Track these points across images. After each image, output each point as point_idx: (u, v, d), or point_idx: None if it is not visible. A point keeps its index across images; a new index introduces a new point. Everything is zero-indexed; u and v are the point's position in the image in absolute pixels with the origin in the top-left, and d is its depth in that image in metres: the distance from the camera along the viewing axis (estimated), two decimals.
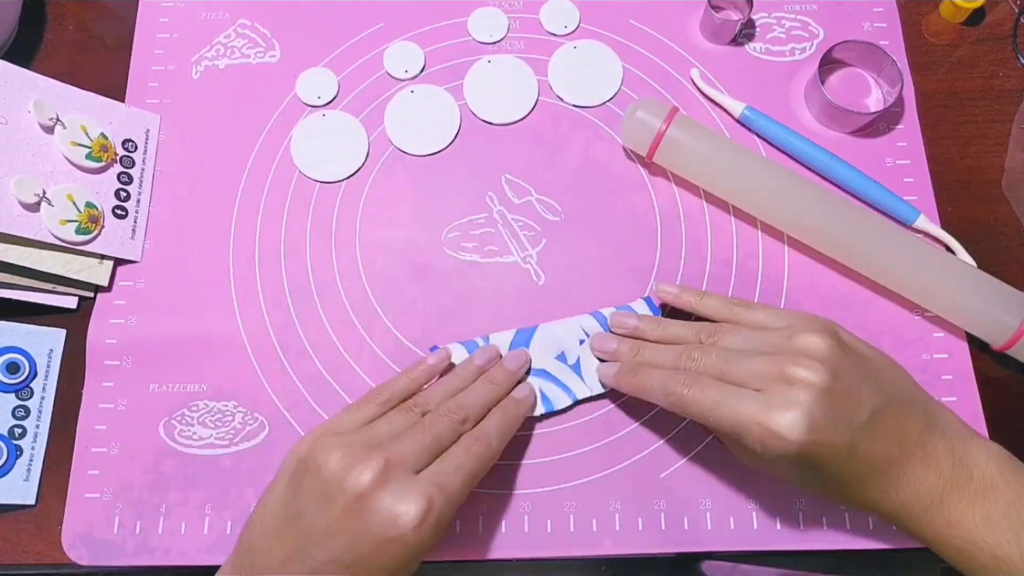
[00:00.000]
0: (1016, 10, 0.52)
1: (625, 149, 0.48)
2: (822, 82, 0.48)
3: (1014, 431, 0.43)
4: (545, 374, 0.43)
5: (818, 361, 0.34)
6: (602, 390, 0.43)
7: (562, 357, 0.43)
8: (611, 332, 0.43)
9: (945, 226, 0.46)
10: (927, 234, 0.46)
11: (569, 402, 0.43)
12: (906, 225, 0.46)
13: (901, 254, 0.43)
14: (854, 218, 0.44)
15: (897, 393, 0.36)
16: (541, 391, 0.43)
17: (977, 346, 0.45)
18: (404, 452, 0.35)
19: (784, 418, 0.33)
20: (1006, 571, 0.34)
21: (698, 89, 0.50)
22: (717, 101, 0.49)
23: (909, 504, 0.35)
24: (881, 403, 0.35)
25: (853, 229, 0.43)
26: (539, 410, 0.43)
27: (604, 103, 0.50)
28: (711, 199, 0.47)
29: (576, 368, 0.43)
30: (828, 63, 0.49)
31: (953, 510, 0.35)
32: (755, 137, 0.49)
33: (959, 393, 0.44)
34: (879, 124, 0.49)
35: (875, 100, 0.50)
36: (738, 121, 0.49)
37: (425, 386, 0.40)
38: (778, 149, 0.48)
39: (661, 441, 0.43)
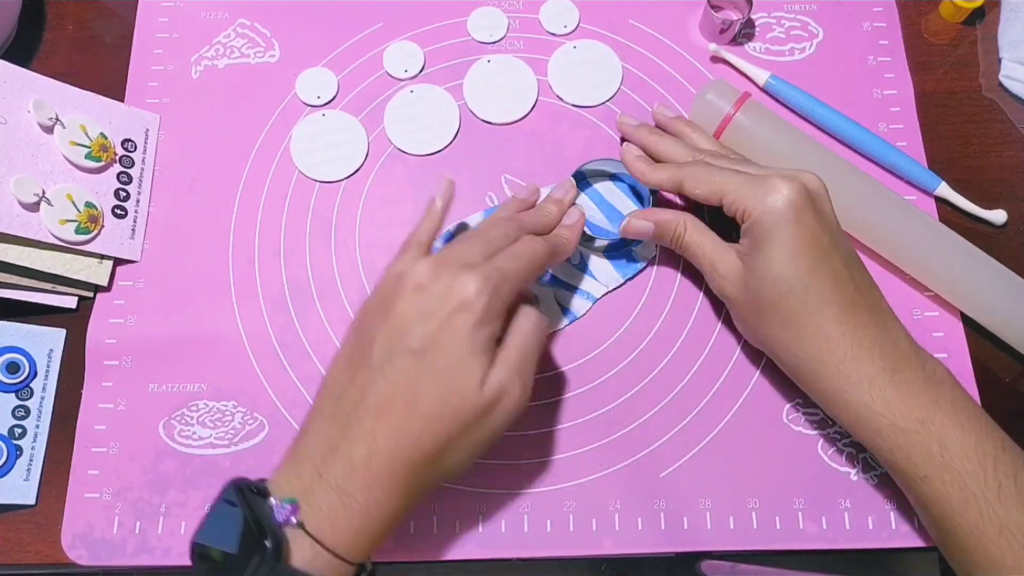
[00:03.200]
0: None
1: None
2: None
3: (1013, 430, 0.43)
4: (554, 280, 0.45)
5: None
6: (620, 282, 0.45)
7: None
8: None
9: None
10: (948, 202, 0.47)
11: (589, 305, 0.45)
12: (928, 192, 0.47)
13: (953, 265, 0.44)
14: (920, 225, 0.44)
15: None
16: (558, 301, 0.45)
17: (975, 345, 0.45)
18: (459, 251, 0.36)
19: (778, 184, 0.37)
20: (947, 460, 0.35)
21: (722, 59, 0.50)
22: (741, 70, 0.49)
23: (863, 360, 0.36)
24: (854, 259, 0.38)
25: (921, 235, 0.44)
26: (562, 323, 0.44)
27: (604, 103, 0.50)
28: None
29: (584, 267, 0.45)
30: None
31: (907, 384, 0.36)
32: (779, 106, 0.49)
33: None
34: (879, 124, 0.49)
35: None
36: (762, 90, 0.49)
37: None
38: (802, 118, 0.49)
39: (661, 441, 0.43)
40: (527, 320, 0.36)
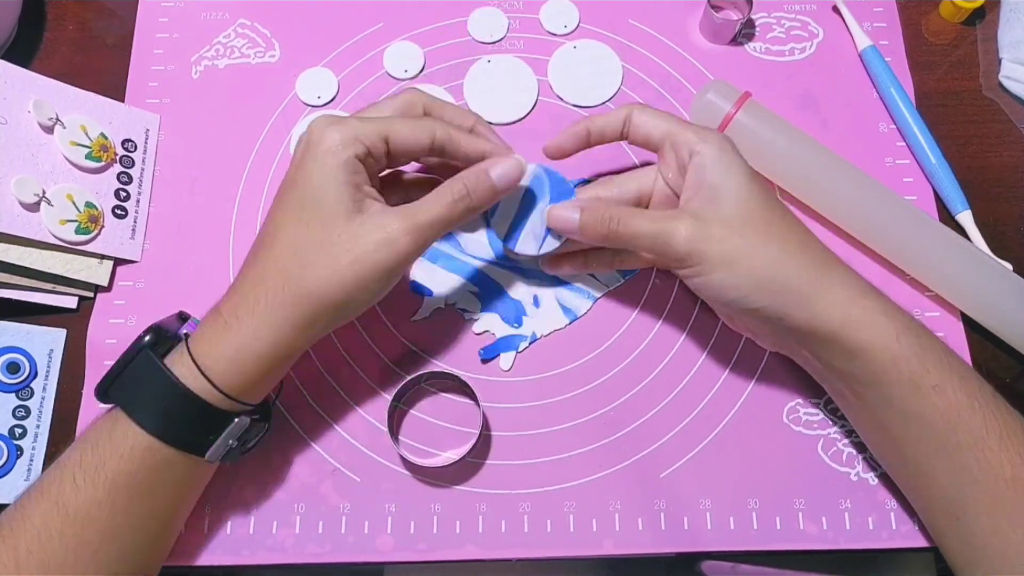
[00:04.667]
0: None
1: (624, 148, 0.48)
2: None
3: None
4: (555, 279, 0.45)
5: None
6: (620, 281, 0.45)
7: None
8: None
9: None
10: (963, 229, 0.47)
11: (589, 304, 0.45)
12: (950, 214, 0.47)
13: (953, 265, 0.44)
14: (920, 226, 0.44)
15: None
16: (558, 301, 0.45)
17: (975, 345, 0.45)
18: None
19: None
20: (953, 366, 0.35)
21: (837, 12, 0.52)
22: (849, 27, 0.51)
23: (848, 272, 0.37)
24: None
25: (921, 235, 0.44)
26: (563, 321, 0.44)
27: (604, 103, 0.50)
28: None
29: None
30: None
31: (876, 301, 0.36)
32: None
33: None
34: (880, 124, 0.49)
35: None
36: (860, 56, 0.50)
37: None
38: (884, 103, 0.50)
39: (661, 441, 0.43)
40: (449, 192, 0.36)
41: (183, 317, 0.38)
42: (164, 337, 0.36)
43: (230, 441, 0.36)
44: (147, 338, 0.35)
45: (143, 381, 0.34)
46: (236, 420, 0.36)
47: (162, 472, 0.35)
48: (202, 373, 0.34)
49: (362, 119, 0.36)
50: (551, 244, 0.40)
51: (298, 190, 0.35)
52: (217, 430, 0.36)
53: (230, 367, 0.35)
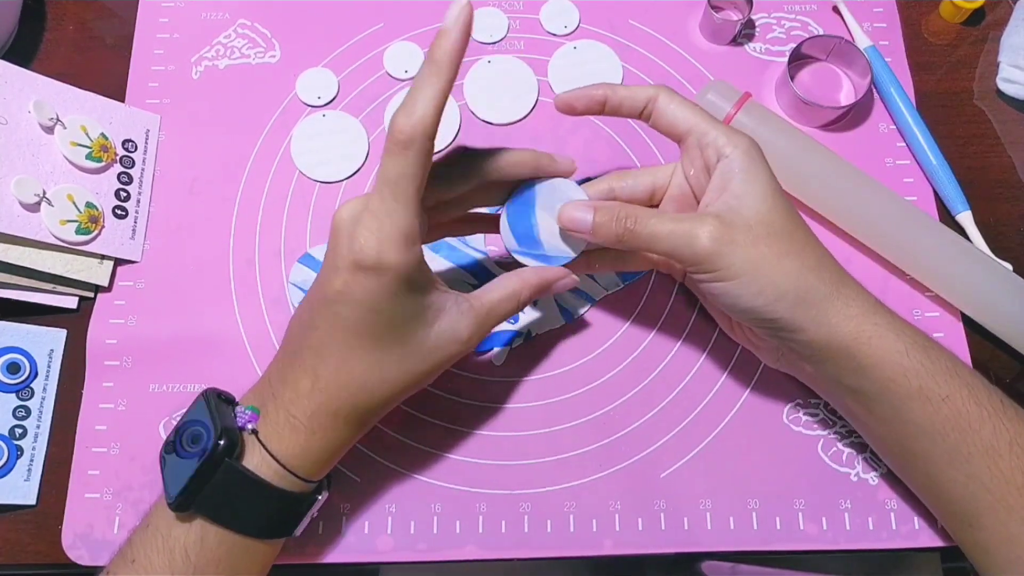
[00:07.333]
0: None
1: (625, 150, 0.49)
2: (792, 78, 0.48)
3: None
4: None
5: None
6: (620, 286, 0.45)
7: None
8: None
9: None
10: (963, 230, 0.47)
11: (588, 306, 0.45)
12: (950, 214, 0.47)
13: (953, 265, 0.44)
14: (920, 226, 0.44)
15: None
16: (557, 301, 0.45)
17: (975, 345, 0.45)
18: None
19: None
20: (964, 377, 0.35)
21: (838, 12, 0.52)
22: (849, 28, 0.51)
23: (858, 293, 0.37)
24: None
25: (921, 235, 0.44)
26: (559, 322, 0.45)
27: None
28: None
29: None
30: (797, 59, 0.49)
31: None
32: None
33: None
34: (880, 124, 0.49)
35: (846, 93, 0.50)
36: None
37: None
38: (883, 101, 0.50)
39: (661, 441, 0.43)
40: (511, 283, 0.37)
41: (225, 399, 0.37)
42: (232, 436, 0.33)
43: (313, 513, 0.37)
44: (222, 442, 0.33)
45: (233, 492, 0.33)
46: (319, 498, 0.37)
47: (250, 557, 0.36)
48: (287, 470, 0.34)
49: (398, 200, 0.32)
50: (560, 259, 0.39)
51: (358, 309, 0.33)
52: (303, 512, 0.37)
53: (306, 460, 0.35)
